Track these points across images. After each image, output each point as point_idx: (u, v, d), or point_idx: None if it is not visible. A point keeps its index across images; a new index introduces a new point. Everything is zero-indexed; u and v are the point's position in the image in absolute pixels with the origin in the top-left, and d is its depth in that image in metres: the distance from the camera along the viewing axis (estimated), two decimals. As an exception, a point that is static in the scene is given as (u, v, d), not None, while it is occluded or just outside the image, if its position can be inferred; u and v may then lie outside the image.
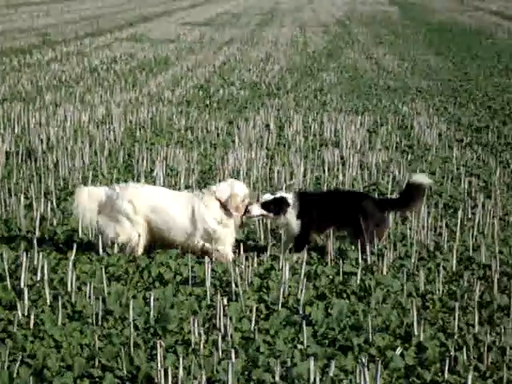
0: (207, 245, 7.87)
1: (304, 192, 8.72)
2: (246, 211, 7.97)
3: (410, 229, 8.70)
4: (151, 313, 6.36)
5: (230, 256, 7.88)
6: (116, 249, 7.82)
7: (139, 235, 7.81)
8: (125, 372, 5.51)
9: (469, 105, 17.91)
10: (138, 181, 10.56)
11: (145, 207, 7.83)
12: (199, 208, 7.83)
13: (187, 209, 7.85)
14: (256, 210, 8.02)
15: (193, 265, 7.49)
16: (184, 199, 7.93)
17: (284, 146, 13.37)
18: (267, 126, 14.82)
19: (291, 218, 8.07)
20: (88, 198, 7.91)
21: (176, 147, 12.62)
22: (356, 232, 8.03)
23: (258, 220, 8.40)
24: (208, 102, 17.51)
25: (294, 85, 20.41)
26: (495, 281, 7.11)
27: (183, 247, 7.86)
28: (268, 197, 8.14)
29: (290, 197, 8.14)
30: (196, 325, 5.99)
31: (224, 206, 7.86)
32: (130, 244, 7.82)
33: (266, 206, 8.05)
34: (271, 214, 8.06)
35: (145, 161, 11.56)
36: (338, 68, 24.07)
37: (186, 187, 10.10)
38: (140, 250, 7.85)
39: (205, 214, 7.83)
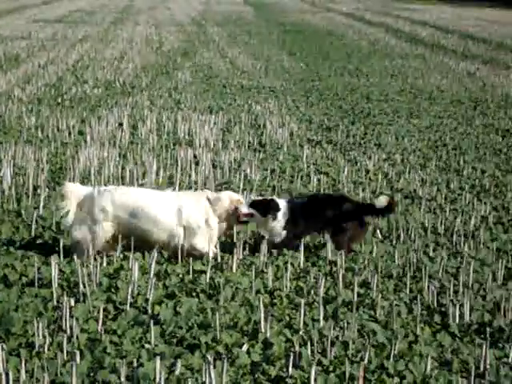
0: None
1: (291, 200, 8.68)
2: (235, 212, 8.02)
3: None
4: (-6, 316, 6.19)
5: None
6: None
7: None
8: (-35, 377, 5.35)
9: (320, 104, 18.27)
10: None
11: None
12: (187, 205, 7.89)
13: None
14: (244, 208, 8.06)
15: (39, 266, 7.34)
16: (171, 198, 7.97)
17: (137, 144, 13.27)
18: (120, 124, 14.68)
19: (278, 226, 8.17)
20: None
21: (25, 146, 12.34)
22: (335, 233, 8.18)
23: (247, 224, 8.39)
24: (60, 100, 17.19)
25: (149, 83, 20.30)
26: (340, 277, 7.28)
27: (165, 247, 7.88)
28: (257, 198, 8.32)
29: (282, 202, 8.24)
30: (41, 327, 5.87)
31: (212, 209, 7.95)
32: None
33: (254, 205, 8.11)
34: (258, 215, 8.09)
35: (-9, 160, 11.26)
36: (193, 67, 24.09)
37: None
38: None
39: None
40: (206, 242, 7.94)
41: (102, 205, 7.81)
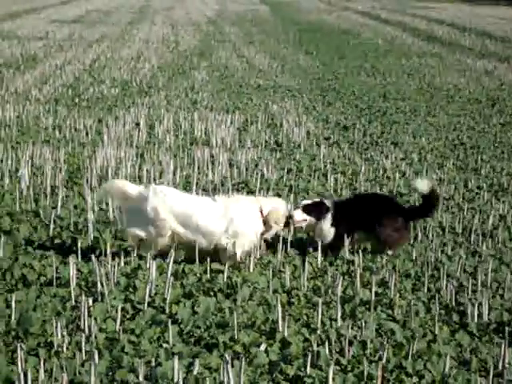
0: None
1: (337, 200, 8.81)
2: (289, 218, 8.09)
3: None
4: (12, 315, 6.21)
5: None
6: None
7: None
8: (-16, 376, 5.37)
9: (336, 103, 18.25)
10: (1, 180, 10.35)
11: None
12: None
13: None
14: (299, 215, 8.11)
15: (57, 266, 7.36)
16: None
17: (154, 144, 13.29)
18: (137, 124, 14.71)
19: (327, 225, 8.19)
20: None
21: (43, 146, 12.38)
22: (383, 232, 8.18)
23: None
24: (77, 101, 17.24)
25: (166, 83, 20.33)
26: (358, 276, 7.27)
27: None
28: (306, 202, 8.32)
29: (328, 203, 8.32)
30: (59, 326, 5.89)
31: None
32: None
33: (306, 209, 8.17)
34: (313, 219, 8.14)
35: (9, 160, 11.29)
36: (209, 67, 24.11)
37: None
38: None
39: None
40: (246, 248, 7.88)
41: (155, 205, 7.73)
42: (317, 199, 8.54)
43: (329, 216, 8.19)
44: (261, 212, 7.96)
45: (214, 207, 7.87)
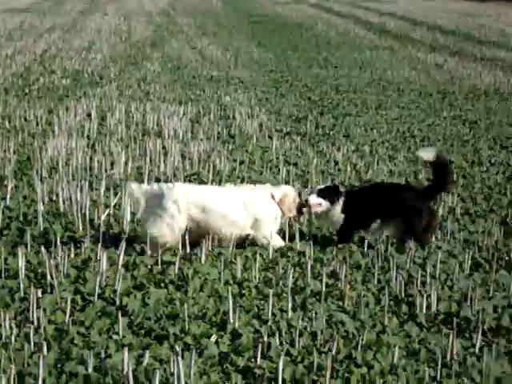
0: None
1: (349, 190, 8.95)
2: (305, 204, 8.20)
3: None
4: (-40, 308, 6.14)
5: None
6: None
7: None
8: None
9: (289, 96, 18.28)
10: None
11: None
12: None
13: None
14: (314, 198, 8.18)
15: (6, 257, 7.28)
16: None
17: (105, 135, 13.20)
18: (88, 115, 14.60)
19: (338, 210, 8.28)
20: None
21: (-8, 136, 12.24)
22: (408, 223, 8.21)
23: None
24: (27, 91, 17.06)
25: (118, 74, 20.20)
26: (309, 267, 7.29)
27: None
28: (320, 187, 8.44)
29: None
30: (7, 318, 5.83)
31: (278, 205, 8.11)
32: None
33: (321, 193, 8.23)
34: (328, 203, 8.21)
35: (-43, 151, 11.16)
36: (162, 58, 24.00)
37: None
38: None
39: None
40: (275, 234, 8.09)
41: (175, 199, 7.79)
42: (330, 185, 8.70)
43: (340, 202, 8.28)
44: (273, 198, 8.11)
45: (233, 197, 8.03)
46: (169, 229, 7.80)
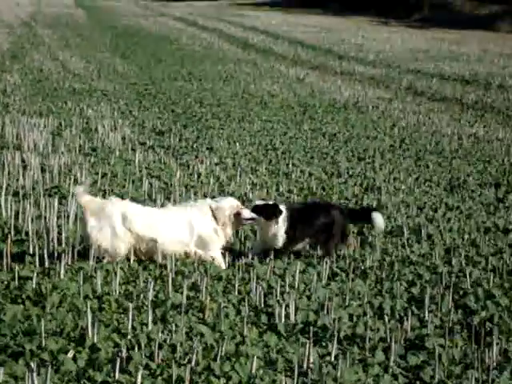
0: (199, 251, 8.18)
1: (291, 205, 8.93)
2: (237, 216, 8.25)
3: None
4: None
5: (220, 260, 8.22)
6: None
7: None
8: None
9: (153, 108, 18.25)
10: None
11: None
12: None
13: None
14: (247, 213, 8.25)
15: None
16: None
17: (-39, 148, 12.84)
18: None
19: (279, 230, 8.36)
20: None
21: None
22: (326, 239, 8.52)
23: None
24: None
25: (-25, 86, 19.70)
26: (170, 280, 7.30)
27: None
28: (259, 202, 8.49)
29: (282, 207, 8.45)
30: None
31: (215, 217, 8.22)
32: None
33: (257, 209, 8.29)
34: (262, 219, 8.26)
35: None
36: (22, 69, 23.55)
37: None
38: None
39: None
40: (218, 249, 8.24)
41: (121, 212, 7.93)
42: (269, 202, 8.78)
43: (281, 220, 8.40)
44: (212, 211, 8.23)
45: (175, 216, 8.16)
46: (112, 240, 7.93)
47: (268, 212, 8.39)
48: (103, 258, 7.95)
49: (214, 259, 8.18)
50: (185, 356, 5.92)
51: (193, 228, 8.16)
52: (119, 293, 7.19)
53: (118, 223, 7.96)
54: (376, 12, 65.81)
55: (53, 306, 6.72)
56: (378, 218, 8.80)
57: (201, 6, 68.33)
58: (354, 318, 6.87)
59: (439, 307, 7.24)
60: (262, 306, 7.06)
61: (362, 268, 8.29)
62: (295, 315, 6.83)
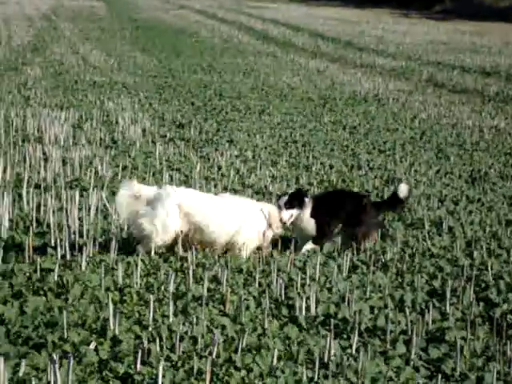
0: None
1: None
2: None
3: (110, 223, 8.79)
4: None
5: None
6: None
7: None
8: None
9: (173, 101, 18.27)
10: None
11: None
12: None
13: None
14: (286, 214, 8.33)
15: None
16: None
17: (-17, 141, 12.92)
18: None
19: (307, 214, 8.42)
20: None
21: None
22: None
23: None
24: None
25: (-4, 79, 19.79)
26: (191, 272, 7.31)
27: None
28: (284, 197, 8.47)
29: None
30: None
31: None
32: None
33: (287, 204, 8.33)
34: (295, 210, 8.33)
35: None
36: (43, 62, 23.62)
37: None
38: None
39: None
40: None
41: (176, 201, 7.93)
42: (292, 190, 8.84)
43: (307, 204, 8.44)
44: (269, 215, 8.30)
45: (228, 206, 8.18)
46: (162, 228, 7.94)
47: (297, 200, 8.41)
48: (147, 248, 7.95)
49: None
50: (206, 348, 5.94)
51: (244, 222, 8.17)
52: (140, 285, 7.21)
53: (173, 211, 7.95)
54: (397, 4, 65.60)
55: (75, 298, 6.74)
56: (403, 186, 8.81)
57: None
58: (375, 311, 6.86)
59: (460, 300, 7.22)
60: (283, 298, 7.06)
61: (383, 260, 8.28)
62: (316, 308, 6.83)
